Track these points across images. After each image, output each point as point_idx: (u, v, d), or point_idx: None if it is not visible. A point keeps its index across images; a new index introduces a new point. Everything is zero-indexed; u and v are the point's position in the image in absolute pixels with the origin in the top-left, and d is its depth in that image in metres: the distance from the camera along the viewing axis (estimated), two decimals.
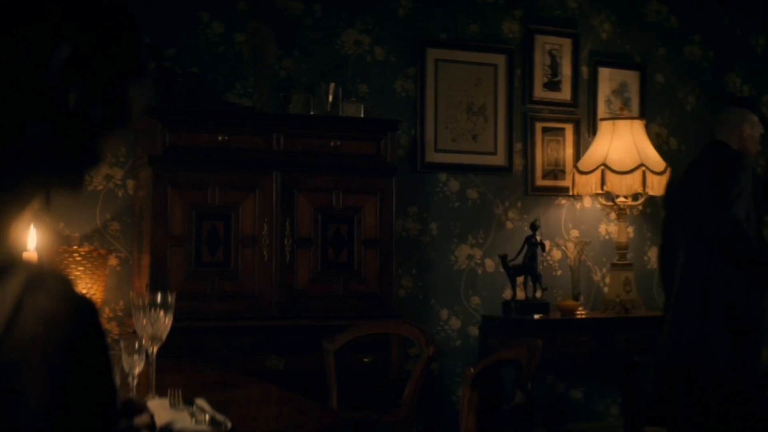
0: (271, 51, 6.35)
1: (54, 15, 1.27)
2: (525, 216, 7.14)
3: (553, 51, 7.35)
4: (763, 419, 5.51)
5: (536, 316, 6.57)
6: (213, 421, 2.78)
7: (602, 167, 6.89)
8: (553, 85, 7.35)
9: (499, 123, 7.11)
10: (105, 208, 6.07)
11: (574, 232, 7.33)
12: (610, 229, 7.43)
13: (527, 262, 6.70)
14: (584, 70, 7.48)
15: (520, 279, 6.75)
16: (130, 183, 6.11)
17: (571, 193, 7.21)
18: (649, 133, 7.23)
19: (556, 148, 7.32)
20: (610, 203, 7.20)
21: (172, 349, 3.54)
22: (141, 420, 2.12)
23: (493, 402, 6.51)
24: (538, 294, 6.73)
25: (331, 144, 5.97)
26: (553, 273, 7.22)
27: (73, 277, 5.16)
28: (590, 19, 7.51)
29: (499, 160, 7.12)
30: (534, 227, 6.73)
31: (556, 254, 7.25)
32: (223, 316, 5.66)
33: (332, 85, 6.22)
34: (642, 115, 7.51)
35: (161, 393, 3.11)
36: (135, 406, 2.16)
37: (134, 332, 3.31)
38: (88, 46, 1.30)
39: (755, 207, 5.36)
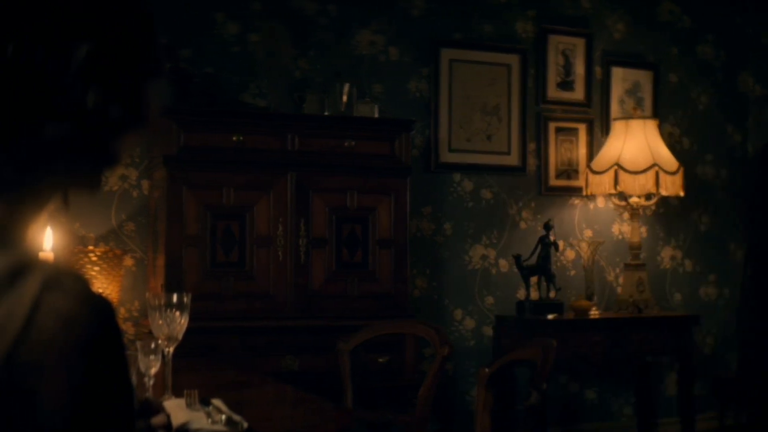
0: (286, 51, 6.36)
1: (72, 15, 1.27)
2: (538, 216, 7.14)
3: (567, 51, 7.34)
4: None
5: (550, 316, 6.57)
6: (229, 422, 2.78)
7: (615, 167, 6.88)
8: (566, 84, 7.34)
9: (512, 123, 7.11)
10: (120, 209, 6.08)
11: (588, 232, 7.33)
12: (624, 229, 7.43)
13: (541, 262, 6.70)
14: (597, 69, 7.47)
15: (533, 279, 6.75)
16: (145, 183, 6.12)
17: (584, 193, 7.20)
18: (662, 133, 7.22)
19: (570, 148, 7.31)
20: (623, 203, 7.19)
21: (187, 349, 3.55)
22: (158, 420, 2.12)
23: (506, 402, 6.52)
24: (552, 294, 6.73)
25: (346, 144, 5.97)
26: (567, 273, 7.21)
27: (89, 277, 5.17)
28: (603, 19, 7.50)
29: (512, 160, 7.12)
30: (547, 227, 6.73)
31: (570, 254, 7.25)
32: (237, 316, 5.66)
33: (347, 86, 6.22)
34: (655, 114, 7.49)
35: (177, 393, 3.12)
36: (152, 406, 2.16)
37: (150, 332, 3.32)
38: (106, 45, 1.30)
39: None
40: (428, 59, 6.89)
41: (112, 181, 6.03)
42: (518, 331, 6.62)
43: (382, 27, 6.77)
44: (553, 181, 7.24)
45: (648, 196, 7.08)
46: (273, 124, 5.86)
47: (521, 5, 7.20)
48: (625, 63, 7.55)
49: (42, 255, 4.51)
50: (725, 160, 7.94)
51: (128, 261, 6.01)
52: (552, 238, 6.73)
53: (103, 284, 5.49)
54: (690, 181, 7.36)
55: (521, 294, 6.92)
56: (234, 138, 5.71)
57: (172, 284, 5.40)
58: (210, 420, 2.79)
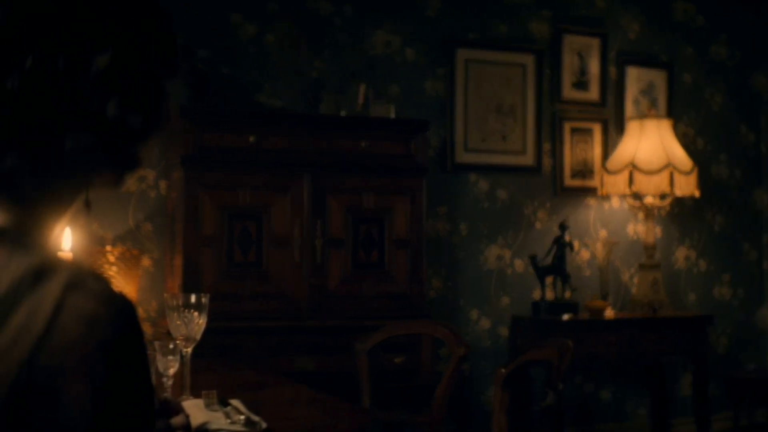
0: (302, 52, 6.38)
1: (91, 21, 1.28)
2: (554, 216, 7.14)
3: (582, 51, 7.34)
4: None
5: (565, 317, 6.57)
6: (248, 422, 2.79)
7: (630, 167, 6.88)
8: (581, 84, 7.34)
9: (527, 123, 7.12)
10: (138, 209, 6.10)
11: (603, 233, 7.33)
12: (638, 229, 7.42)
13: (556, 263, 6.70)
14: (612, 69, 7.47)
15: (549, 279, 6.75)
16: (163, 184, 6.13)
17: (599, 193, 7.20)
18: (676, 133, 7.22)
19: (585, 147, 7.31)
20: (638, 203, 7.19)
21: (204, 350, 3.57)
22: (177, 420, 2.13)
23: (522, 402, 6.53)
24: (567, 294, 6.73)
25: (362, 145, 5.97)
26: (582, 273, 7.21)
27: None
28: (618, 19, 7.50)
29: (528, 160, 7.12)
30: (563, 227, 6.73)
31: (585, 254, 7.25)
32: (254, 317, 5.67)
33: (362, 86, 6.23)
34: (669, 114, 7.49)
35: (195, 393, 3.14)
36: (172, 406, 2.17)
37: (168, 333, 3.33)
38: (126, 52, 1.31)
39: None
40: (444, 59, 6.90)
41: (130, 181, 6.04)
42: (534, 331, 6.63)
43: (398, 27, 6.78)
44: (568, 181, 7.24)
45: (662, 196, 7.08)
46: (289, 124, 5.88)
47: (536, 5, 7.21)
48: (640, 63, 7.55)
49: (61, 255, 4.53)
50: (739, 160, 7.93)
51: (146, 261, 6.03)
52: (567, 238, 6.73)
53: (121, 285, 5.50)
54: (704, 181, 7.36)
55: (537, 294, 6.92)
56: (250, 138, 5.72)
57: (189, 284, 5.42)
58: (229, 420, 2.80)
